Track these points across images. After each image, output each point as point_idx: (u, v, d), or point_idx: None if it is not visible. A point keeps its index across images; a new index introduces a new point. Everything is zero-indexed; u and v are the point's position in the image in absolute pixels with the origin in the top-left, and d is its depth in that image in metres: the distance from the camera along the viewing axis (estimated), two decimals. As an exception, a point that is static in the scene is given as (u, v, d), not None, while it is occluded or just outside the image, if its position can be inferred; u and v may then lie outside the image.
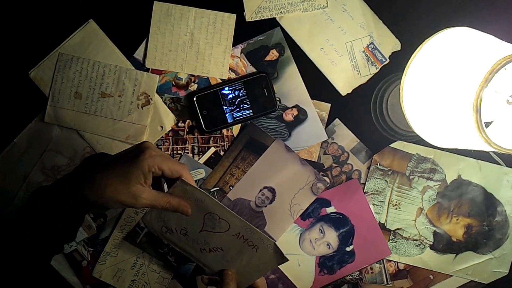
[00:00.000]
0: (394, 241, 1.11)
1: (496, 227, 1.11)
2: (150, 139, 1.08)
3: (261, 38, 1.09)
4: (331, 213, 1.11)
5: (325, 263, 1.11)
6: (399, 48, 1.09)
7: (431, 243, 1.11)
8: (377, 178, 1.10)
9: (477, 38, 0.81)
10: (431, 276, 1.13)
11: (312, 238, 1.11)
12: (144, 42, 1.08)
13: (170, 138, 1.09)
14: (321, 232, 1.11)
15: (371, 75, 1.10)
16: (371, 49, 1.09)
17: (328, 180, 1.10)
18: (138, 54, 1.08)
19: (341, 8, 1.09)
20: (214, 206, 0.86)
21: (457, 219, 1.10)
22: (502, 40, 0.80)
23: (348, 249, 1.11)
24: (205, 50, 1.08)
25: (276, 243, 0.86)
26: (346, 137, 1.10)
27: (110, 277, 1.10)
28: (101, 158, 0.85)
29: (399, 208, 1.10)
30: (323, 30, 1.09)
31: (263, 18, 1.08)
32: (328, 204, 1.11)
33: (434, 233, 1.11)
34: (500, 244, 1.11)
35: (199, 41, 1.08)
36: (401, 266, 1.13)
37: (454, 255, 1.11)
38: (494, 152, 0.98)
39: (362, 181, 1.11)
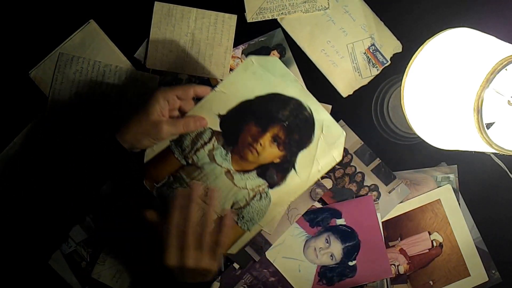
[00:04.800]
0: (241, 219, 0.94)
1: (300, 122, 0.94)
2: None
3: (262, 39, 1.09)
4: (340, 225, 1.10)
5: (325, 274, 1.10)
6: (400, 50, 1.09)
7: (266, 183, 0.95)
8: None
9: (478, 39, 0.81)
10: (431, 282, 1.12)
11: (317, 246, 1.10)
12: (144, 43, 1.08)
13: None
14: (327, 242, 1.10)
15: (372, 77, 1.10)
16: (372, 50, 1.09)
17: (330, 182, 1.09)
18: (139, 54, 1.08)
19: (342, 10, 1.09)
20: None
21: (260, 144, 0.94)
22: (503, 41, 0.80)
23: (350, 263, 1.11)
24: (206, 50, 1.08)
25: None
26: (349, 139, 1.10)
27: (109, 278, 1.09)
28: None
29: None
30: (324, 31, 1.09)
31: (264, 19, 1.08)
32: (339, 215, 1.10)
33: (259, 174, 0.94)
34: (312, 129, 0.94)
35: (200, 41, 1.08)
36: (401, 271, 1.12)
37: (292, 170, 0.94)
38: (495, 153, 0.97)
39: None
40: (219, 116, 0.93)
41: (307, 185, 0.93)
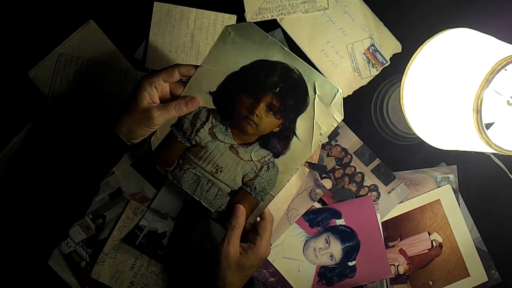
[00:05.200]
0: (254, 190, 0.94)
1: (291, 86, 0.90)
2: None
3: (262, 39, 1.09)
4: (340, 225, 1.10)
5: (325, 274, 1.10)
6: (400, 50, 1.09)
7: (271, 153, 0.93)
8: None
9: (478, 39, 0.81)
10: (431, 282, 1.12)
11: (316, 246, 1.10)
12: (144, 43, 1.08)
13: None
14: (327, 242, 1.10)
15: (372, 77, 1.10)
16: (372, 51, 1.09)
17: (329, 182, 1.09)
18: (138, 54, 1.08)
19: (342, 10, 1.09)
20: None
21: (256, 116, 0.91)
22: (502, 41, 0.80)
23: (350, 264, 1.11)
24: (205, 51, 1.08)
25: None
26: (349, 140, 1.10)
27: (108, 278, 1.09)
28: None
29: (221, 170, 0.94)
30: (323, 31, 1.09)
31: (263, 19, 1.08)
32: (338, 215, 1.10)
33: (262, 145, 0.92)
34: (306, 91, 0.90)
35: (199, 42, 1.08)
36: (401, 271, 1.12)
37: (294, 137, 0.91)
38: (494, 153, 0.98)
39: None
40: (210, 93, 0.91)
41: (312, 150, 0.91)
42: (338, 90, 0.88)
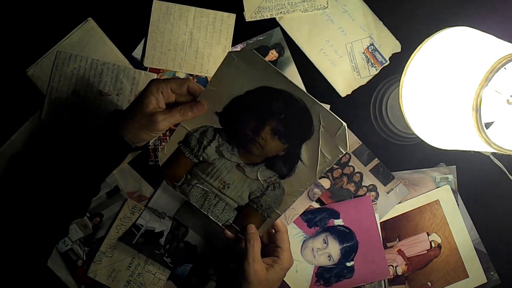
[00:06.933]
0: (260, 207, 0.95)
1: (295, 113, 0.90)
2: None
3: (261, 38, 1.08)
4: (338, 225, 1.10)
5: (322, 274, 1.10)
6: (399, 50, 1.09)
7: (276, 175, 0.94)
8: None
9: (477, 38, 0.80)
10: (429, 283, 1.12)
11: (314, 247, 1.10)
12: (142, 41, 1.08)
13: (168, 137, 1.09)
14: (325, 242, 1.10)
15: (371, 77, 1.09)
16: (371, 50, 1.09)
17: (328, 182, 1.09)
18: (137, 53, 1.08)
19: (341, 9, 1.08)
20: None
21: (261, 138, 0.92)
22: (502, 39, 0.80)
23: (348, 264, 1.10)
24: (204, 49, 1.08)
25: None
26: (348, 139, 1.09)
27: (105, 277, 1.09)
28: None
29: (228, 186, 0.96)
30: (323, 30, 1.09)
31: (263, 18, 1.08)
32: (337, 216, 1.10)
33: (267, 166, 0.94)
34: (310, 120, 0.90)
35: (198, 40, 1.08)
36: (399, 272, 1.12)
37: (299, 161, 0.92)
38: (494, 153, 0.97)
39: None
40: (216, 113, 0.92)
41: (317, 176, 0.91)
42: (342, 124, 0.87)
